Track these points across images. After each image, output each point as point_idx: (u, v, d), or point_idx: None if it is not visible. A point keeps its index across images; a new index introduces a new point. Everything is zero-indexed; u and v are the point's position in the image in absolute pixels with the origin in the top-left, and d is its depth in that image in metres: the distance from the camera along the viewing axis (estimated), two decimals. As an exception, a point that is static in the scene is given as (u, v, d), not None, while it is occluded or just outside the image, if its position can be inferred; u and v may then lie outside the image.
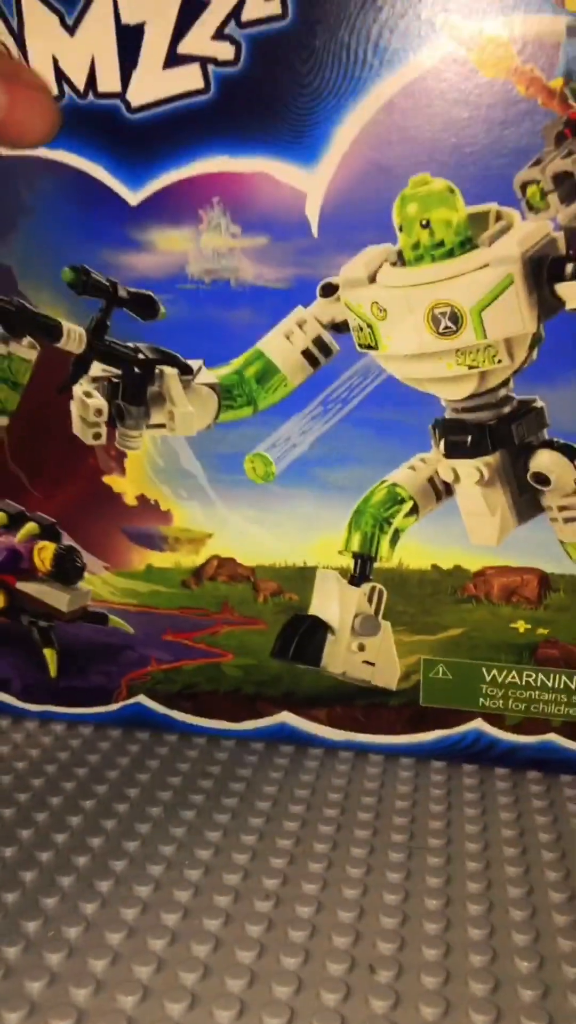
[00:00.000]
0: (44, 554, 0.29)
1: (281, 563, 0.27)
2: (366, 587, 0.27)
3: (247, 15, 0.20)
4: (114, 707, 0.31)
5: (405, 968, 0.20)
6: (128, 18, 0.20)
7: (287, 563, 0.27)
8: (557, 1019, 0.18)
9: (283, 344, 0.24)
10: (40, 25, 0.21)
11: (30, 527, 0.28)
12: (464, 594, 0.26)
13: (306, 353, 0.24)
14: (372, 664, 0.28)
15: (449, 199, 0.21)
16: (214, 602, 0.28)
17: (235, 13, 0.20)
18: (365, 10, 0.20)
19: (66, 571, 0.29)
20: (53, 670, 0.31)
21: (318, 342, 0.24)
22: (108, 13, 0.20)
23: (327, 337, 0.24)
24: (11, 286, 0.24)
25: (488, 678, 0.27)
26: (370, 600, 0.27)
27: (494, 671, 0.27)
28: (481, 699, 0.27)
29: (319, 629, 0.28)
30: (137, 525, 0.28)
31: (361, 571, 0.27)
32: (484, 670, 0.27)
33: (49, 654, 0.31)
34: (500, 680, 0.27)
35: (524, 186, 0.21)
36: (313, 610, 0.28)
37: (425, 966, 0.20)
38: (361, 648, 0.28)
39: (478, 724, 0.28)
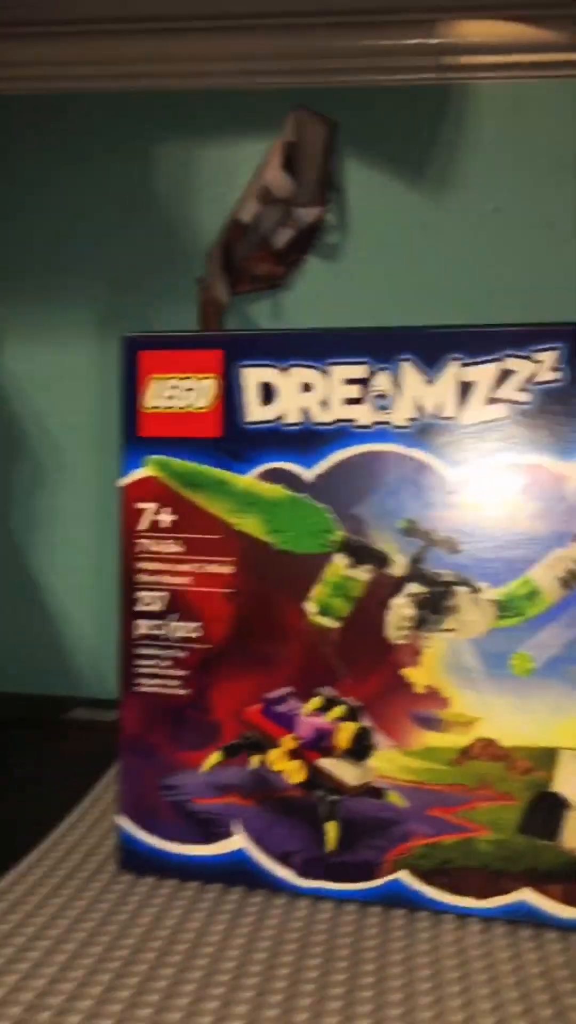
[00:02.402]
0: (345, 733, 0.38)
1: (533, 744, 0.36)
2: (603, 765, 0.35)
3: (539, 379, 0.36)
4: (377, 883, 0.38)
5: None
6: (462, 378, 0.36)
7: (538, 744, 0.36)
8: None
9: (546, 573, 0.36)
10: (413, 380, 0.37)
11: (338, 710, 0.38)
12: None
13: (562, 580, 0.36)
14: (607, 840, 0.35)
15: None
16: (475, 779, 0.37)
17: (531, 378, 0.36)
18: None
19: (360, 749, 0.38)
20: (332, 843, 0.38)
21: (571, 572, 0.36)
22: (451, 377, 0.36)
23: (576, 571, 0.36)
24: (363, 530, 0.38)
25: None
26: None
27: None
28: None
29: (560, 805, 0.35)
30: (422, 709, 0.37)
31: (599, 752, 0.35)
32: None
33: (331, 827, 0.38)
34: None
35: None
36: (556, 787, 0.36)
37: None
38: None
39: None
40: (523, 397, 0.36)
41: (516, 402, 0.36)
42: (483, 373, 0.36)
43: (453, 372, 0.36)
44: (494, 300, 0.72)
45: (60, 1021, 0.29)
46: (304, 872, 0.39)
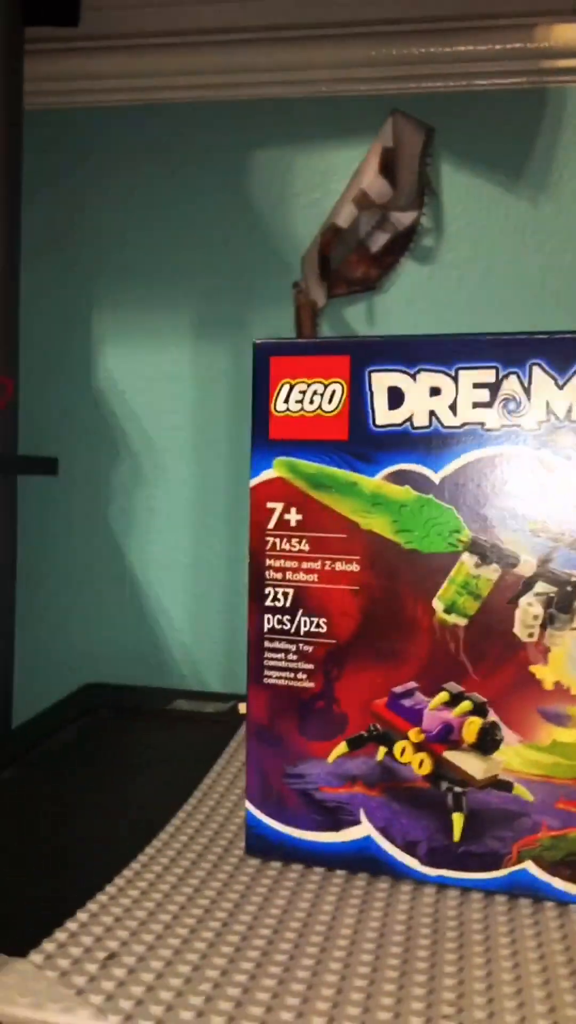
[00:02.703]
0: (471, 727, 0.39)
1: None
2: None
3: None
4: (503, 873, 0.39)
5: None
6: (595, 383, 0.37)
7: None
8: None
9: None
10: (542, 385, 0.38)
11: (465, 704, 0.39)
12: None
13: None
14: None
15: None
16: (604, 774, 0.37)
17: None
18: None
19: (487, 743, 0.39)
20: (458, 834, 0.39)
21: None
22: (585, 380, 0.37)
23: None
24: (491, 530, 0.39)
25: None
26: None
27: None
28: None
29: None
30: (550, 706, 0.38)
31: None
32: None
33: (457, 819, 0.39)
34: None
35: None
36: None
37: None
38: None
39: None
40: None
41: None
42: (614, 377, 0.37)
43: (583, 376, 0.37)
44: (591, 302, 0.72)
45: (210, 1008, 0.31)
46: (430, 861, 0.40)
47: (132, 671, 0.79)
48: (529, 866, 0.38)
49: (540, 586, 0.38)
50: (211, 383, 0.78)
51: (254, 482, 0.42)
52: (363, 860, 0.41)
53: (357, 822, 0.40)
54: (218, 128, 0.77)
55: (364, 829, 0.40)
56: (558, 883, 0.38)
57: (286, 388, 0.41)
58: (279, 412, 0.41)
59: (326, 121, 0.76)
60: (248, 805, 0.42)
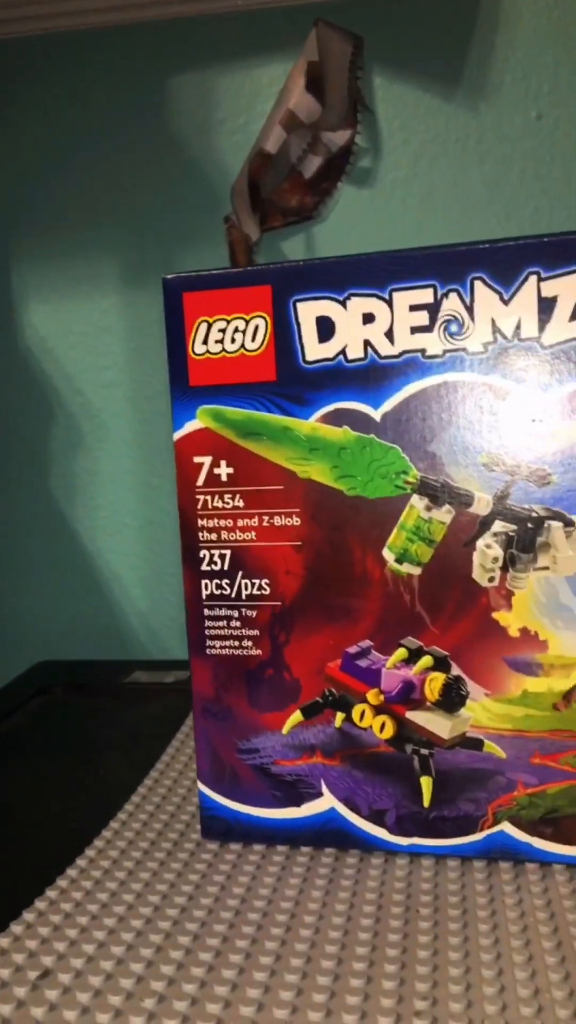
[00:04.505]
0: (434, 684, 0.36)
1: None
2: None
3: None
4: (479, 836, 0.36)
5: None
6: (542, 294, 0.33)
7: None
8: None
9: None
10: (486, 301, 0.34)
11: (425, 660, 0.36)
12: None
13: None
14: None
15: None
16: (580, 724, 0.34)
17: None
18: None
19: (451, 699, 0.36)
20: (427, 799, 0.36)
21: None
22: (532, 292, 0.33)
23: None
24: (441, 468, 0.35)
25: None
26: None
27: None
28: None
29: None
30: (517, 654, 0.35)
31: None
32: None
33: (426, 782, 0.36)
34: None
35: None
36: None
37: None
38: None
39: None
40: (610, 309, 0.33)
41: (601, 316, 0.33)
42: (566, 286, 0.33)
43: (531, 288, 0.33)
44: (540, 214, 0.67)
45: (173, 993, 0.28)
46: (399, 829, 0.37)
47: (88, 645, 0.76)
48: (507, 827, 0.36)
49: (498, 525, 0.35)
50: (145, 334, 0.73)
51: (178, 435, 0.37)
52: (328, 834, 0.37)
53: (319, 795, 0.37)
54: (131, 55, 0.71)
55: (327, 801, 0.37)
56: (539, 843, 0.35)
57: (204, 327, 0.37)
58: (198, 355, 0.37)
59: (247, 37, 0.70)
60: (200, 786, 0.39)
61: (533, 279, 0.33)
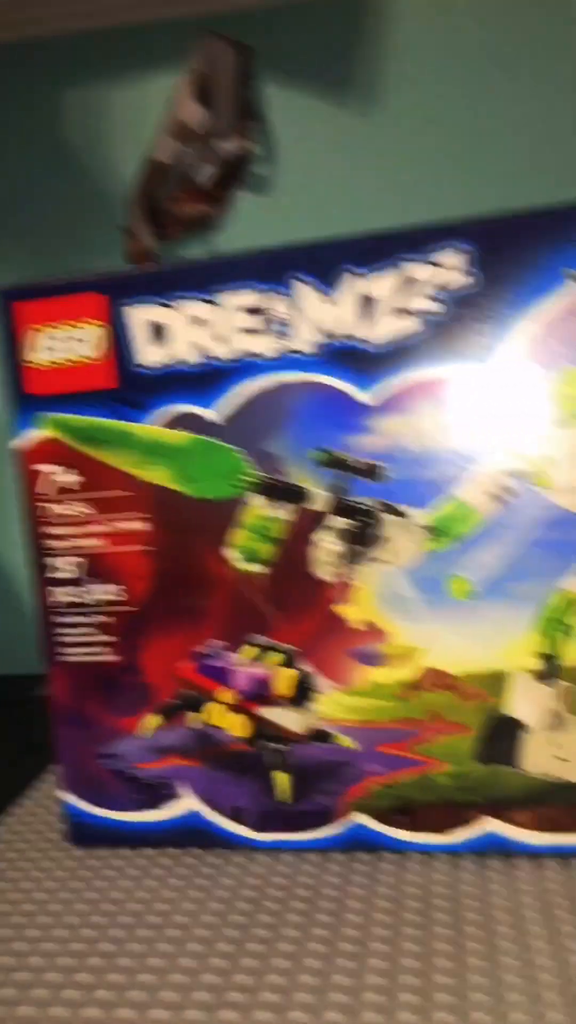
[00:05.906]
0: (283, 680, 0.36)
1: (481, 669, 0.34)
2: (555, 685, 0.33)
3: (450, 285, 0.33)
4: (336, 829, 0.36)
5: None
6: (362, 291, 0.34)
7: (486, 669, 0.34)
8: None
9: (474, 490, 0.34)
10: (310, 301, 0.34)
11: (274, 657, 0.36)
12: None
13: (491, 495, 0.33)
14: (566, 761, 0.33)
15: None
16: (425, 711, 0.35)
17: (442, 285, 0.33)
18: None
19: (301, 694, 0.36)
20: (284, 793, 0.37)
21: (500, 486, 0.33)
22: (350, 292, 0.34)
23: (511, 484, 0.33)
24: (278, 467, 0.35)
25: None
26: (559, 697, 0.33)
27: None
28: None
29: (514, 729, 0.34)
30: (361, 646, 0.35)
31: (549, 670, 0.33)
32: None
33: (280, 777, 0.37)
34: None
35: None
36: (509, 711, 0.34)
37: None
38: (556, 745, 0.33)
39: None
40: (434, 307, 0.33)
41: (427, 312, 0.33)
42: (384, 283, 0.33)
43: (351, 286, 0.34)
44: (435, 214, 0.68)
45: (51, 999, 0.28)
46: (259, 826, 0.37)
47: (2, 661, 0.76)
48: (361, 818, 0.36)
49: (335, 520, 0.35)
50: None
51: (18, 444, 0.38)
52: (190, 834, 0.38)
53: (178, 796, 0.38)
54: (22, 68, 0.72)
55: (187, 802, 0.38)
56: (392, 832, 0.36)
57: (37, 336, 0.37)
58: (34, 364, 0.37)
59: (139, 51, 0.71)
60: (63, 794, 0.39)
61: (351, 277, 0.34)
